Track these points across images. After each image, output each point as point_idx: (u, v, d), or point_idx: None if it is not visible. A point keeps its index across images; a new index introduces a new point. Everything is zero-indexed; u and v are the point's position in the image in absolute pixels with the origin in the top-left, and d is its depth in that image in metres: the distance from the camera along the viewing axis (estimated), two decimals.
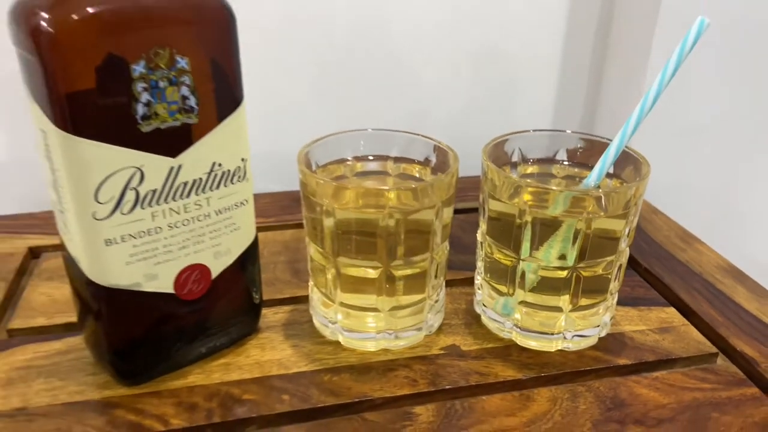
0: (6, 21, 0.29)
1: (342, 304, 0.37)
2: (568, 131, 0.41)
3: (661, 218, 0.54)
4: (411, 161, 0.40)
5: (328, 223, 0.35)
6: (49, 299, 0.42)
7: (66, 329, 0.39)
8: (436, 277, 0.38)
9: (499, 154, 0.40)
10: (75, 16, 0.27)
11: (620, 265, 0.38)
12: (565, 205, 0.35)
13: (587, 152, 0.40)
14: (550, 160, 0.41)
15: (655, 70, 0.57)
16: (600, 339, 0.39)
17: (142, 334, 0.34)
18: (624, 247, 0.37)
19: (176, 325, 0.35)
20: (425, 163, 0.40)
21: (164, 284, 0.33)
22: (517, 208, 0.35)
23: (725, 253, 0.49)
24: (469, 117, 0.65)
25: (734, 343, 0.39)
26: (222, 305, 0.36)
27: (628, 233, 0.37)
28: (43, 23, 0.27)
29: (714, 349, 0.39)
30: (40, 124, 0.29)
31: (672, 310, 0.42)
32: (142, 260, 0.32)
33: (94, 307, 0.33)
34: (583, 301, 0.37)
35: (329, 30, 0.57)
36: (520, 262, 0.36)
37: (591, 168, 0.38)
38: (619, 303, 0.42)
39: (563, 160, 0.41)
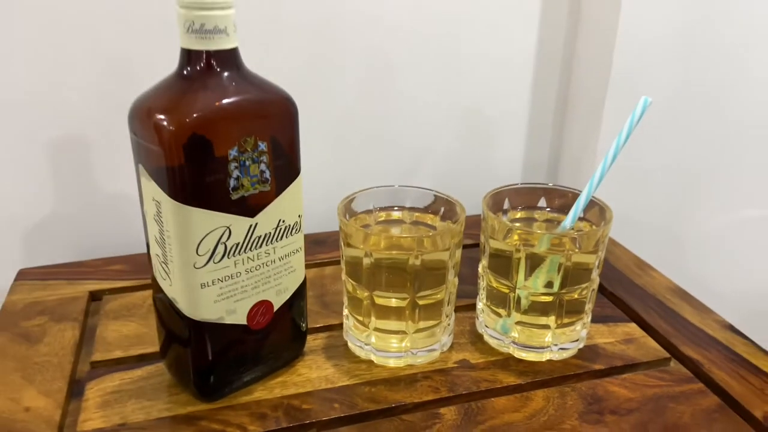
0: (128, 115, 0.37)
1: (375, 329, 0.46)
2: (550, 184, 0.51)
3: (620, 249, 0.65)
4: (425, 211, 0.50)
5: (366, 262, 0.44)
6: (120, 335, 0.50)
7: (141, 359, 0.47)
8: (448, 304, 0.47)
9: (495, 202, 0.49)
10: (187, 119, 0.36)
11: (593, 290, 0.48)
12: (548, 244, 0.45)
13: (562, 201, 0.50)
14: (533, 207, 0.51)
15: (608, 130, 0.69)
16: (579, 350, 0.49)
17: (219, 359, 0.42)
18: (595, 276, 0.47)
19: (245, 350, 0.43)
20: (435, 212, 0.49)
21: (240, 317, 0.42)
22: (512, 246, 0.45)
23: (672, 276, 0.60)
24: (453, 167, 0.75)
25: (683, 350, 0.49)
26: (279, 333, 0.45)
27: (598, 264, 0.47)
28: (165, 123, 0.35)
29: (667, 355, 0.49)
30: (155, 195, 0.37)
31: (633, 325, 0.53)
32: (226, 299, 0.40)
33: (184, 337, 0.41)
34: (566, 320, 0.47)
35: (335, 99, 0.67)
36: (516, 290, 0.46)
37: (566, 214, 0.48)
38: (593, 321, 0.52)
39: (544, 207, 0.51)
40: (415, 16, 0.66)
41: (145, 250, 0.42)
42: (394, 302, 0.45)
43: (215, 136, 0.37)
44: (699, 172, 0.76)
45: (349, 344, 0.48)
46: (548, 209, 0.51)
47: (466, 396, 0.44)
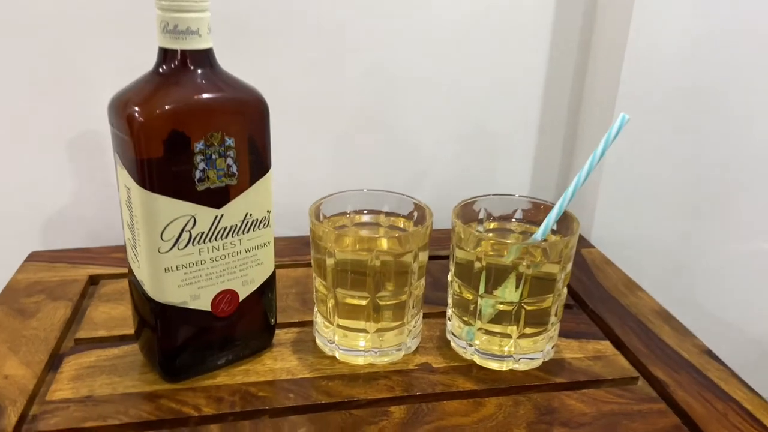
0: (107, 107, 0.40)
1: (339, 326, 0.47)
2: (525, 196, 0.52)
3: (612, 268, 0.65)
4: (398, 215, 0.51)
5: (330, 262, 0.45)
6: (107, 316, 0.53)
7: (121, 339, 0.50)
8: (413, 307, 0.48)
9: (468, 212, 0.50)
10: (157, 111, 0.39)
11: (560, 304, 0.48)
12: (517, 254, 0.45)
13: (536, 212, 0.51)
14: (508, 218, 0.51)
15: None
16: (544, 362, 0.49)
17: (184, 342, 0.45)
18: (561, 288, 0.47)
19: (210, 336, 0.45)
20: (409, 217, 0.50)
21: (204, 303, 0.44)
22: (475, 255, 0.46)
23: (668, 302, 0.59)
24: (460, 180, 0.76)
25: (652, 370, 0.48)
26: (245, 323, 0.47)
27: (564, 277, 0.47)
28: (136, 114, 0.38)
29: (635, 374, 0.48)
30: (126, 182, 0.40)
31: (607, 342, 0.52)
32: (190, 284, 0.43)
33: (151, 320, 0.43)
34: (528, 330, 0.47)
35: (342, 107, 0.69)
36: (479, 298, 0.47)
37: (539, 225, 0.48)
38: (564, 335, 0.52)
39: (519, 218, 0.52)
40: (426, 29, 0.67)
41: None
42: (356, 301, 0.46)
43: (182, 129, 0.39)
44: (710, 196, 0.74)
45: (317, 340, 0.50)
46: (523, 221, 0.52)
47: (419, 397, 0.45)
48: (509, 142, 0.76)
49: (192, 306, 0.43)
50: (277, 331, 0.51)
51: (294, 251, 0.65)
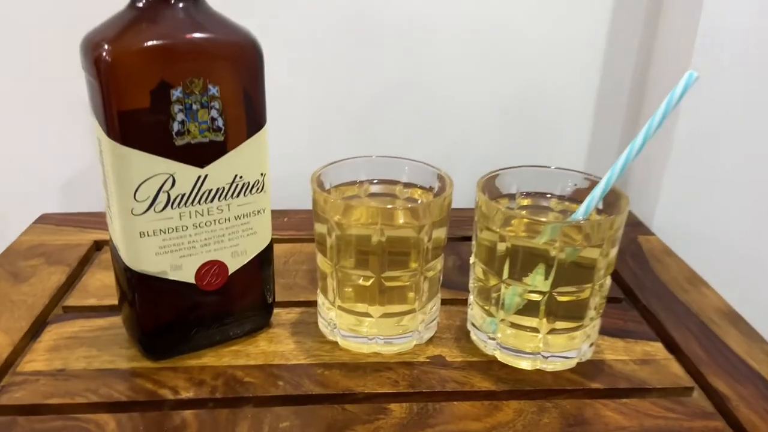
0: (78, 51, 0.36)
1: (340, 308, 0.42)
2: (564, 168, 0.44)
3: (673, 259, 0.56)
4: (419, 187, 0.44)
5: (331, 235, 0.40)
6: (102, 284, 0.49)
7: (111, 310, 0.46)
8: (426, 291, 0.42)
9: (497, 186, 0.43)
10: (127, 50, 0.34)
11: (601, 296, 0.41)
12: (553, 236, 0.38)
13: (579, 188, 0.43)
14: (544, 194, 0.44)
15: (688, 123, 0.59)
16: (579, 363, 0.42)
17: (166, 317, 0.40)
18: (602, 278, 0.40)
19: (195, 312, 0.41)
20: (431, 189, 0.44)
21: (187, 275, 0.39)
22: (499, 235, 0.39)
23: (741, 302, 0.50)
24: (505, 154, 0.68)
25: (711, 380, 0.40)
26: (237, 300, 0.42)
27: (607, 265, 0.40)
28: (104, 53, 0.33)
29: (690, 384, 0.41)
30: (97, 133, 0.36)
31: (658, 344, 0.44)
32: (169, 252, 0.38)
33: (129, 290, 0.39)
34: (559, 325, 0.40)
35: (374, 73, 0.63)
36: (502, 284, 0.40)
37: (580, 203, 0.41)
38: (607, 333, 0.45)
39: (558, 195, 0.44)
40: None
41: None
42: (359, 281, 0.40)
43: (156, 72, 0.34)
44: None
45: (319, 323, 0.45)
46: (563, 198, 0.44)
47: (426, 395, 0.39)
48: (562, 110, 0.67)
49: (173, 277, 0.39)
50: (278, 311, 0.46)
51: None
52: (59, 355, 0.41)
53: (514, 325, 0.41)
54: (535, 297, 0.39)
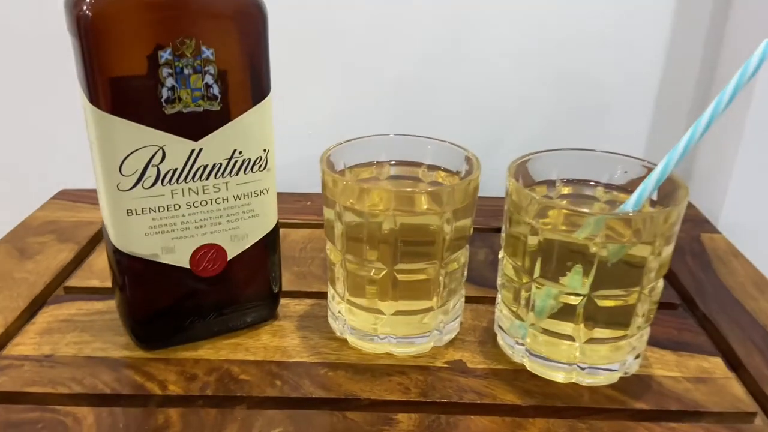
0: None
1: (349, 302, 0.37)
2: (612, 152, 0.38)
3: (740, 262, 0.49)
4: (445, 170, 0.40)
5: (339, 221, 0.35)
6: (107, 265, 0.46)
7: (111, 292, 0.43)
8: (445, 287, 0.37)
9: (532, 171, 0.38)
10: (110, 5, 0.30)
11: (651, 301, 0.35)
12: (596, 230, 0.33)
13: (631, 176, 0.37)
14: (587, 182, 0.38)
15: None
16: (622, 378, 0.36)
17: (159, 304, 0.37)
18: (653, 280, 0.34)
19: (191, 300, 0.37)
20: (456, 173, 0.39)
21: (181, 258, 0.35)
22: (531, 227, 0.34)
23: None
24: (552, 138, 0.62)
25: None
26: (237, 288, 0.38)
27: (659, 265, 0.34)
28: (85, 8, 0.30)
29: (753, 408, 0.34)
30: (82, 100, 0.32)
31: (718, 360, 0.38)
32: (161, 233, 0.34)
33: (119, 274, 0.36)
34: (599, 334, 0.34)
35: (407, 54, 0.58)
36: (533, 284, 0.35)
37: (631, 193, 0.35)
38: (657, 345, 0.39)
39: (603, 183, 0.38)
40: None
41: None
42: (370, 273, 0.36)
43: (142, 31, 0.30)
44: None
45: (329, 317, 0.40)
46: (611, 187, 0.38)
47: (439, 405, 0.34)
48: (622, 90, 0.61)
49: (165, 261, 0.35)
50: (287, 301, 0.42)
51: None
52: (50, 339, 0.38)
53: (546, 332, 0.35)
54: (572, 300, 0.34)
